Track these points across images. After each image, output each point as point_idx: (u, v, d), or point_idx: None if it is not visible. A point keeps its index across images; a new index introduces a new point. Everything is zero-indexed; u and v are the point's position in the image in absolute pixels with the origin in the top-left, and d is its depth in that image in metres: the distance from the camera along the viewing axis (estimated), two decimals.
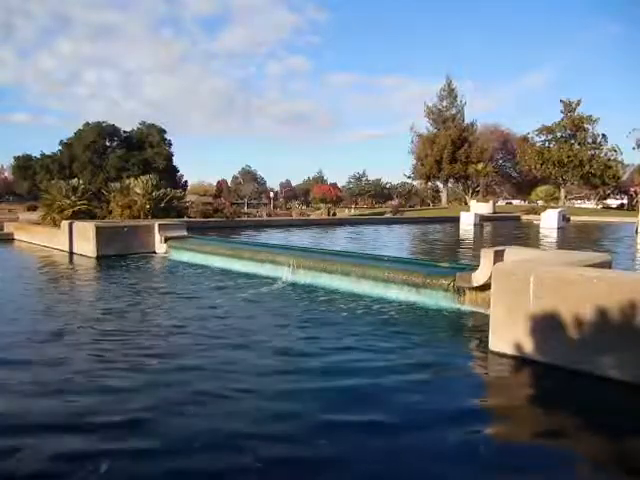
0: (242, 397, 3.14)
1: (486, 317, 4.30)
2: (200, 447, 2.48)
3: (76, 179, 16.53)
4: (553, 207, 29.15)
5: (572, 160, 50.70)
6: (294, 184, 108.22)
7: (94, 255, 10.38)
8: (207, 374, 3.52)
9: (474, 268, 5.26)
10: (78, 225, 11.39)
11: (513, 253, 5.01)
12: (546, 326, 3.66)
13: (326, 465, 2.41)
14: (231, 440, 2.59)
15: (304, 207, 58.16)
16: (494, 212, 35.71)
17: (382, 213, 41.63)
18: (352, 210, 64.36)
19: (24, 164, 67.80)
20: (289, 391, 3.26)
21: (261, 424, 2.76)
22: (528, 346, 3.76)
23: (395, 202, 54.04)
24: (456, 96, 58.16)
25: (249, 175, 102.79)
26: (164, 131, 63.26)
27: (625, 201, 59.94)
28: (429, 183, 66.05)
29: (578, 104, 52.26)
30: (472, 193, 59.59)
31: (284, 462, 2.42)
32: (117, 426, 2.73)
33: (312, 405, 3.02)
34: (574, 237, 17.38)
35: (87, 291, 7.17)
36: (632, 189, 58.12)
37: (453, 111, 58.32)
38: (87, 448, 2.49)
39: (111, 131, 61.21)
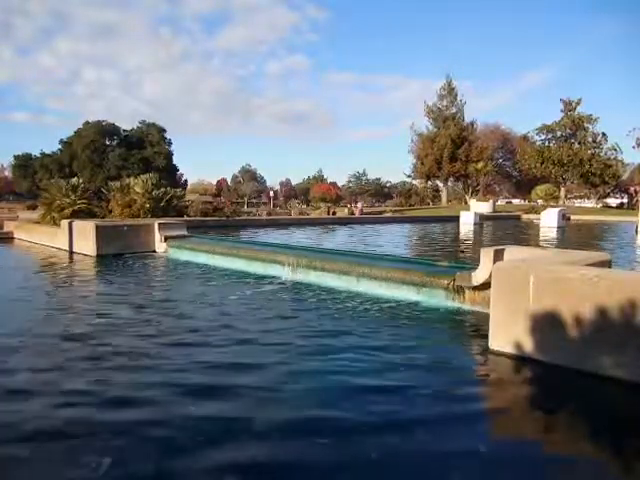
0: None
1: (486, 316, 4.30)
2: None
3: (76, 178, 16.49)
4: (553, 206, 29.15)
5: (572, 159, 50.71)
6: (294, 183, 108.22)
7: (94, 254, 10.38)
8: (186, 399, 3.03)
9: (474, 267, 5.26)
10: (78, 224, 11.38)
11: (513, 252, 5.01)
12: (546, 325, 3.66)
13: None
14: None
15: (304, 206, 58.15)
16: (494, 211, 35.72)
17: (382, 212, 41.64)
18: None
19: (24, 163, 67.85)
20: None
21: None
22: (528, 345, 3.76)
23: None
24: (456, 95, 58.13)
25: (249, 174, 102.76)
26: (164, 130, 63.37)
27: (625, 200, 59.95)
28: (429, 182, 66.05)
29: (578, 103, 52.28)
30: (472, 192, 59.59)
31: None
32: None
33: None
34: (574, 236, 17.38)
35: (84, 292, 7.16)
36: (632, 188, 58.15)
37: (453, 110, 58.26)
38: None
39: (111, 130, 61.27)
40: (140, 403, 2.99)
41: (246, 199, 76.65)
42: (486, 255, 4.96)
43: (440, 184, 64.50)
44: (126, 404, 2.97)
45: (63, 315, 5.37)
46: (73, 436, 2.59)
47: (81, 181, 15.97)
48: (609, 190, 62.80)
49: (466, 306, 5.31)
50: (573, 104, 52.39)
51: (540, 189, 39.83)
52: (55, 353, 3.95)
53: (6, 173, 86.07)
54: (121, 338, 4.33)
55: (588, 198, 67.97)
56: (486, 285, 4.78)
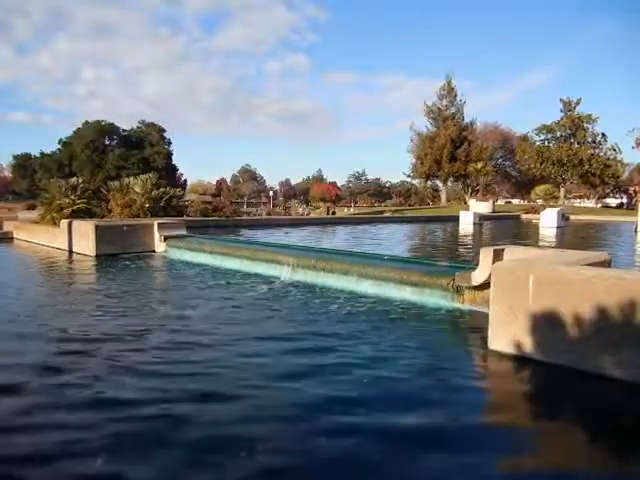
0: None
1: (485, 316, 4.29)
2: None
3: (75, 178, 16.45)
4: (552, 206, 29.18)
5: (572, 159, 50.72)
6: (293, 183, 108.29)
7: (93, 254, 10.36)
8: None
9: (473, 267, 5.25)
10: (77, 224, 11.37)
11: (512, 252, 5.00)
12: (546, 325, 3.66)
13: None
14: None
15: (304, 206, 58.16)
16: (493, 211, 35.76)
17: (382, 212, 41.66)
18: (351, 209, 64.40)
19: (23, 163, 67.85)
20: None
21: None
22: (528, 345, 3.76)
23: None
24: (456, 95, 58.14)
25: (248, 174, 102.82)
26: (163, 130, 63.39)
27: (624, 200, 60.01)
28: (428, 182, 66.06)
29: (578, 103, 52.32)
30: (472, 192, 59.60)
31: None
32: None
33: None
34: (573, 236, 17.39)
35: (81, 292, 7.15)
36: (631, 188, 58.21)
37: (453, 110, 58.27)
38: None
39: (110, 130, 61.25)
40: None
41: (245, 199, 76.66)
42: (485, 255, 4.96)
43: (440, 184, 64.53)
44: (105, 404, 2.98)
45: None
46: None
47: (80, 181, 15.93)
48: (608, 190, 62.89)
49: (465, 306, 5.31)
50: (573, 104, 52.42)
51: (540, 189, 39.90)
52: None
53: (5, 173, 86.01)
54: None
55: (588, 198, 68.12)
56: (485, 285, 4.78)
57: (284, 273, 7.29)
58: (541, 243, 13.45)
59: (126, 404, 2.96)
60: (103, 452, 2.40)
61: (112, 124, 61.41)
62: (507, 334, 3.91)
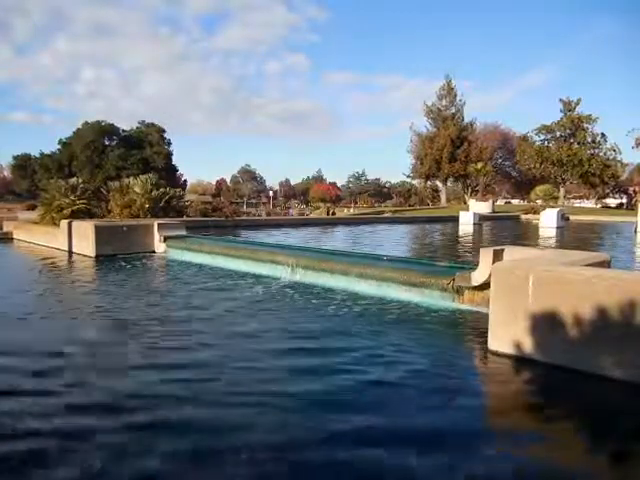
0: None
1: (485, 316, 4.30)
2: None
3: (75, 178, 16.45)
4: (552, 206, 29.18)
5: (571, 159, 50.72)
6: (293, 183, 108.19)
7: (93, 254, 10.35)
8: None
9: (473, 267, 5.25)
10: (77, 224, 11.36)
11: (512, 252, 5.00)
12: (545, 325, 3.66)
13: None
14: None
15: (302, 206, 58.16)
16: (493, 211, 35.76)
17: (382, 212, 41.67)
18: (351, 209, 64.42)
19: (23, 163, 67.88)
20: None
21: None
22: (527, 345, 3.76)
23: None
24: (455, 95, 58.18)
25: (248, 174, 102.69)
26: (163, 130, 63.35)
27: (624, 200, 59.98)
28: (428, 182, 66.04)
29: (578, 103, 52.32)
30: (471, 192, 59.60)
31: None
32: None
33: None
34: (573, 236, 17.39)
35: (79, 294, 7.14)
36: (631, 188, 58.22)
37: (452, 110, 58.29)
38: None
39: (110, 130, 61.21)
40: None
41: (245, 199, 76.59)
42: (485, 255, 4.96)
43: (439, 184, 64.51)
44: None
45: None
46: None
47: (80, 181, 15.92)
48: (608, 190, 62.86)
49: (465, 306, 5.31)
50: (572, 104, 52.42)
51: (539, 189, 39.88)
52: None
53: (5, 173, 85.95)
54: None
55: (587, 198, 68.11)
56: (485, 285, 4.78)
57: (284, 274, 7.28)
58: (541, 243, 13.45)
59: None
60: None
61: (112, 124, 61.39)
62: (507, 334, 3.91)
